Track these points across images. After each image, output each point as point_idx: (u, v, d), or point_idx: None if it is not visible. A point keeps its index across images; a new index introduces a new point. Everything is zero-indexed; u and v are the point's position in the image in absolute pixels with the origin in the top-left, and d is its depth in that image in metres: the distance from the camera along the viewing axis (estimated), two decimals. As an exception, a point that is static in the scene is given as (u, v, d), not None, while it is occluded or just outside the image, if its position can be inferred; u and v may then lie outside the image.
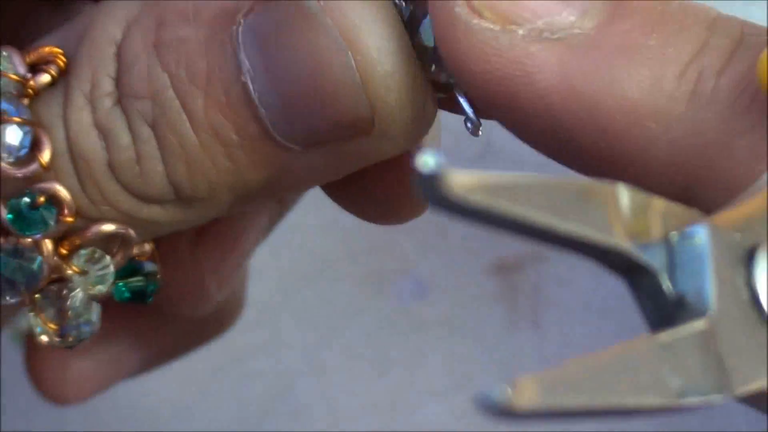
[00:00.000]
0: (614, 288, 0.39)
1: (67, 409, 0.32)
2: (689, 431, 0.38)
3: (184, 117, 0.22)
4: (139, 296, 0.24)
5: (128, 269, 0.24)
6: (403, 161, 0.23)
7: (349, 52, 0.21)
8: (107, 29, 0.22)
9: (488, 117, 0.22)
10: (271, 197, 0.25)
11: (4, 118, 0.22)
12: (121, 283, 0.24)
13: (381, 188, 0.25)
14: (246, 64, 0.21)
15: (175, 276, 0.27)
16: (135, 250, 0.23)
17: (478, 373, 0.38)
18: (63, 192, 0.22)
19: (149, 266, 0.24)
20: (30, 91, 0.22)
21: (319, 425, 0.38)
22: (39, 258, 0.22)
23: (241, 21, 0.22)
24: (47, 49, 0.22)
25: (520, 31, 0.20)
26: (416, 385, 0.38)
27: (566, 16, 0.20)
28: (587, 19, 0.20)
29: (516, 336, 0.38)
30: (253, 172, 0.22)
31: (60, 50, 0.22)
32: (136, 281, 0.24)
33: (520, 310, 0.38)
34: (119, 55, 0.22)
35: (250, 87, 0.22)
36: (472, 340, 0.38)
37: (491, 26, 0.20)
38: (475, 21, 0.20)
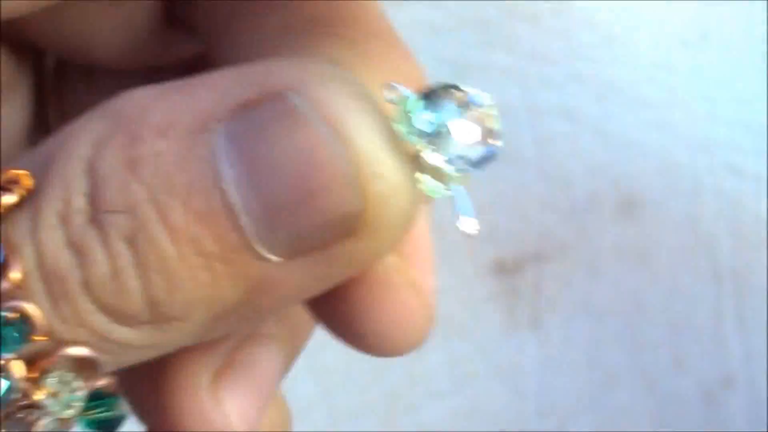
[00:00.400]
0: (614, 288, 0.39)
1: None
2: (689, 431, 0.38)
3: (162, 229, 0.22)
4: (106, 427, 0.24)
5: (92, 396, 0.23)
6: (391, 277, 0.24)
7: (341, 145, 0.21)
8: (78, 148, 0.22)
9: None
10: (250, 317, 0.24)
11: None
12: (87, 413, 0.23)
13: (372, 312, 0.24)
14: (225, 172, 0.21)
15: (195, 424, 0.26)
16: (101, 381, 0.23)
17: (477, 374, 0.38)
18: (34, 310, 0.22)
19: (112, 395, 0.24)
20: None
21: (319, 425, 0.38)
22: (8, 381, 0.22)
23: (217, 128, 0.21)
24: (12, 171, 0.22)
25: None
26: (416, 385, 0.38)
27: None
28: None
29: (516, 336, 0.38)
30: (231, 287, 0.22)
31: (25, 171, 0.22)
32: (102, 411, 0.24)
33: (519, 310, 0.38)
34: (91, 173, 0.22)
35: (231, 195, 0.21)
36: (472, 341, 0.38)
37: None
38: None
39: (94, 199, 0.22)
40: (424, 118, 0.21)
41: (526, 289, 0.38)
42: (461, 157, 0.21)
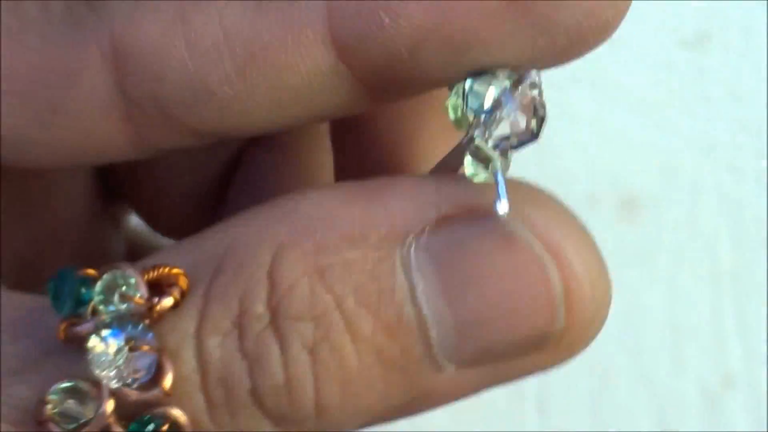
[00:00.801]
0: (614, 289, 0.39)
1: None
2: (689, 431, 0.38)
3: (349, 338, 0.21)
4: None
5: None
6: None
7: (555, 267, 0.21)
8: (258, 255, 0.21)
9: None
10: (399, 417, 0.24)
11: (132, 346, 0.21)
12: None
13: None
14: (420, 285, 0.21)
15: None
16: None
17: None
18: (183, 419, 0.21)
19: None
20: (154, 314, 0.21)
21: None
22: None
23: (413, 242, 0.21)
24: (167, 269, 0.21)
25: None
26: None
27: None
28: None
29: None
30: (402, 394, 0.21)
31: (181, 270, 0.21)
32: None
33: (520, 310, 0.38)
34: (274, 280, 0.21)
35: (424, 307, 0.21)
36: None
37: None
38: None
39: (276, 306, 0.21)
40: (477, 94, 0.21)
41: (526, 289, 0.38)
42: (506, 139, 0.21)
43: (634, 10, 0.40)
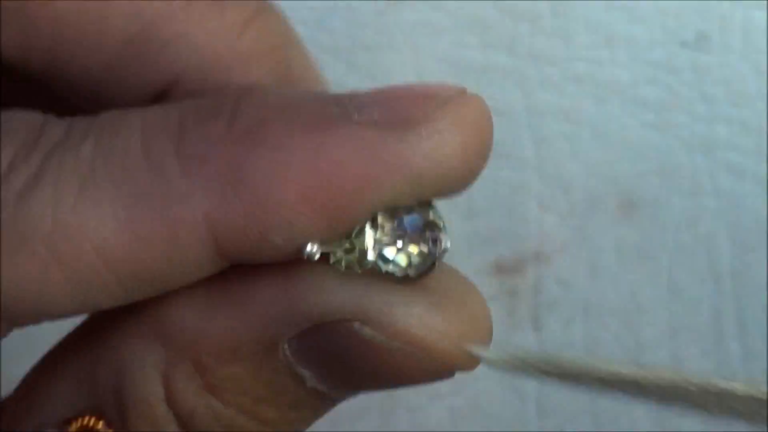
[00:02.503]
0: (614, 289, 0.39)
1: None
2: (689, 431, 0.38)
3: (256, 428, 0.23)
4: None
5: None
6: None
7: (421, 353, 0.22)
8: (148, 388, 0.23)
9: None
10: None
11: None
12: None
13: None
14: (307, 372, 0.22)
15: None
16: None
17: (477, 374, 0.38)
18: None
19: None
20: None
21: (319, 425, 0.38)
22: None
23: (286, 346, 0.22)
24: (90, 420, 0.23)
25: None
26: (416, 386, 0.38)
27: None
28: None
29: (516, 337, 0.38)
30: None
31: (101, 422, 0.23)
32: None
33: (519, 310, 0.38)
34: (175, 408, 0.23)
35: (314, 385, 0.23)
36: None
37: None
38: None
39: (185, 427, 0.23)
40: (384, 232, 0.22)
41: (526, 289, 0.38)
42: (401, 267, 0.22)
43: (634, 10, 0.40)
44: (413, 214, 0.21)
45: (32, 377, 0.25)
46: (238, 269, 0.22)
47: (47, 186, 0.21)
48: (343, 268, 0.21)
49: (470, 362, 0.23)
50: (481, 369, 0.40)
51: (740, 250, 0.38)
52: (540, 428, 0.38)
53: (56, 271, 0.21)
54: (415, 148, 0.21)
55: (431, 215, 0.22)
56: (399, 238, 0.21)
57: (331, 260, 0.21)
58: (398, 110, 0.21)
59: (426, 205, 0.21)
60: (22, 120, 0.23)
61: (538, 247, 0.38)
